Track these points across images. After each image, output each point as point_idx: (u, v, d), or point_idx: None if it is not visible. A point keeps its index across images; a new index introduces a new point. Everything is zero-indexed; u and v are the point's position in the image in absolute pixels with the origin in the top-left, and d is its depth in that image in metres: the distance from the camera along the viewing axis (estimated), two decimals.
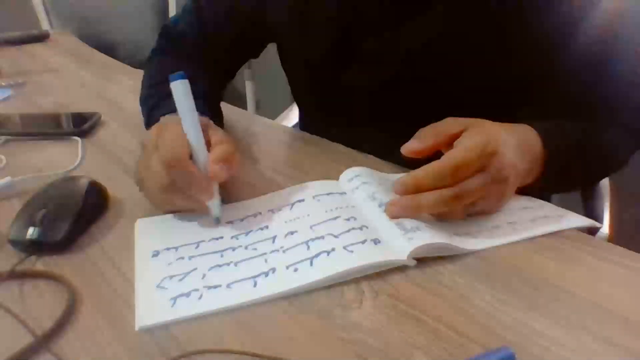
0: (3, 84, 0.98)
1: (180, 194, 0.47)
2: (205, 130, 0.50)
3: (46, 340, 0.36)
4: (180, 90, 0.48)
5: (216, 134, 0.51)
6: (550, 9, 0.55)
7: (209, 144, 0.50)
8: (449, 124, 0.48)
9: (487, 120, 0.49)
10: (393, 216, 0.45)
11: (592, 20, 0.54)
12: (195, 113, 0.49)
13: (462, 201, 0.45)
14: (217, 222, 0.48)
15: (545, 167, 0.51)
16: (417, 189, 0.44)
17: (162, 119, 0.55)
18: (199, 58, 0.73)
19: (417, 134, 0.48)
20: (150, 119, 0.63)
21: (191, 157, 0.48)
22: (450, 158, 0.44)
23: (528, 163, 0.49)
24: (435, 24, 0.58)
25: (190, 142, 0.48)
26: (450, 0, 0.57)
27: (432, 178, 0.44)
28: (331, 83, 0.68)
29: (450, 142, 0.47)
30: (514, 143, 0.47)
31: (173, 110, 0.58)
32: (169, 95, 0.61)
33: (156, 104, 0.63)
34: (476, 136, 0.45)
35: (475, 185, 0.44)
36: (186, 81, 0.49)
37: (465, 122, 0.47)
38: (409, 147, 0.47)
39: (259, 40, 0.77)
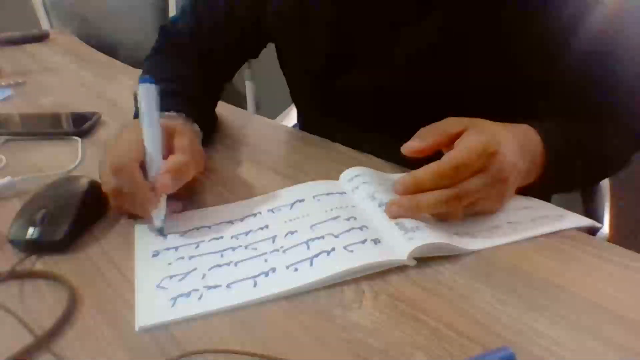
0: (3, 84, 0.98)
1: (126, 199, 0.47)
2: (171, 136, 0.50)
3: (46, 340, 0.36)
4: (146, 94, 0.48)
5: (180, 141, 0.51)
6: (551, 11, 0.55)
7: (172, 151, 0.49)
8: (450, 124, 0.48)
9: (488, 121, 0.49)
10: (393, 216, 0.45)
11: (593, 22, 0.54)
12: (157, 120, 0.48)
13: (462, 201, 0.45)
14: (161, 233, 0.47)
15: (545, 167, 0.51)
16: (418, 189, 0.45)
17: (125, 124, 0.55)
18: (196, 58, 0.73)
19: (417, 133, 0.48)
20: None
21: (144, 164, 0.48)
22: (450, 158, 0.44)
23: (528, 163, 0.49)
24: (435, 28, 0.58)
25: (146, 149, 0.47)
26: (450, 4, 0.57)
27: (433, 178, 0.44)
28: (331, 88, 0.68)
29: (450, 142, 0.47)
30: (514, 143, 0.47)
31: (165, 109, 0.58)
32: (164, 94, 0.61)
33: None
34: (476, 136, 0.45)
35: (475, 186, 0.44)
36: (153, 86, 0.48)
37: (465, 122, 0.47)
38: (410, 146, 0.47)
39: (257, 42, 0.77)
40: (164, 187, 0.46)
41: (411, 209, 0.45)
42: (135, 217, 0.50)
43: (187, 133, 0.53)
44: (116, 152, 0.47)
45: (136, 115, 0.61)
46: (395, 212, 0.45)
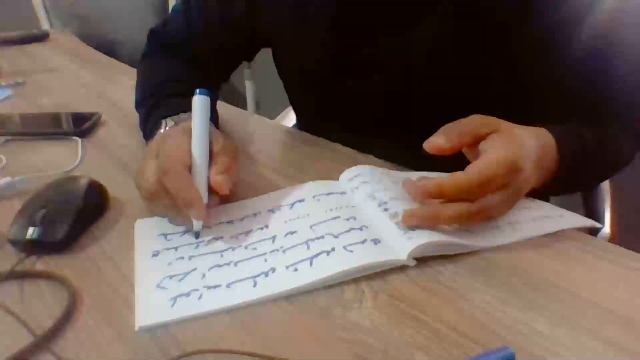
0: (3, 84, 0.98)
1: (166, 202, 0.46)
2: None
3: (46, 340, 0.36)
4: (202, 105, 0.50)
5: (218, 142, 0.51)
6: (552, 12, 0.54)
7: (210, 152, 0.50)
8: (476, 124, 0.46)
9: (511, 124, 0.47)
10: (410, 227, 0.44)
11: (595, 22, 0.54)
12: (207, 130, 0.49)
13: (481, 217, 0.44)
14: (196, 236, 0.47)
15: (557, 174, 0.50)
16: (439, 196, 0.44)
17: (168, 128, 0.55)
18: (191, 61, 0.73)
19: (442, 130, 0.46)
20: (148, 119, 0.63)
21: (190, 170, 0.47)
22: (479, 172, 0.43)
23: (542, 170, 0.48)
24: (432, 31, 0.58)
25: (193, 156, 0.48)
26: (450, 6, 0.57)
27: (458, 189, 0.43)
28: (328, 90, 0.68)
29: (475, 143, 0.46)
30: (534, 155, 0.46)
31: (173, 112, 0.58)
32: (168, 96, 0.61)
33: (155, 104, 0.63)
34: (504, 147, 0.44)
35: (496, 202, 0.44)
36: (208, 98, 0.50)
37: (493, 124, 0.46)
38: (434, 144, 0.45)
39: (252, 46, 0.77)
40: (222, 188, 0.47)
41: (430, 221, 0.44)
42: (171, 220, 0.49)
43: (219, 134, 0.53)
44: (166, 155, 0.47)
45: (146, 124, 0.62)
46: (413, 224, 0.44)
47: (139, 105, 0.69)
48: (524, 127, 0.48)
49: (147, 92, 0.68)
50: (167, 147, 0.48)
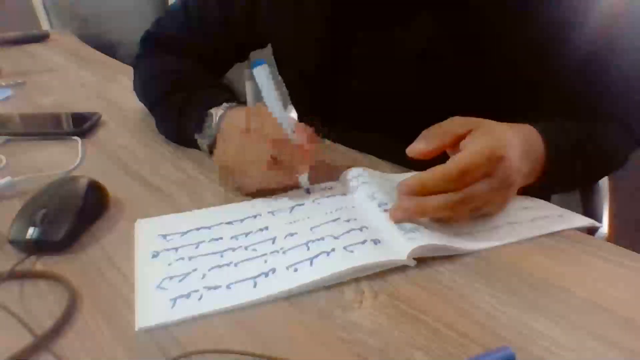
0: (3, 84, 0.98)
1: (278, 168, 0.51)
2: None
3: (46, 340, 0.36)
4: (265, 74, 0.51)
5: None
6: (546, 10, 0.54)
7: None
8: (455, 125, 0.47)
9: (493, 121, 0.48)
10: (397, 220, 0.45)
11: (591, 21, 0.54)
12: (279, 94, 0.52)
13: (467, 206, 0.44)
14: (308, 192, 0.53)
15: (546, 168, 0.50)
16: (423, 191, 0.44)
17: (231, 111, 0.57)
18: (187, 58, 0.73)
19: (422, 134, 0.47)
20: (182, 113, 0.63)
21: None
22: (457, 162, 0.43)
23: (531, 166, 0.49)
24: (428, 27, 0.58)
25: (279, 122, 0.52)
26: (443, 4, 0.57)
27: (439, 181, 0.43)
28: (325, 89, 0.68)
29: (456, 143, 0.46)
30: (519, 146, 0.47)
31: (215, 103, 0.59)
32: (197, 88, 0.62)
33: (187, 99, 0.63)
34: (484, 139, 0.45)
35: (481, 191, 0.44)
36: (267, 65, 0.52)
37: (471, 123, 0.47)
38: (415, 149, 0.46)
39: (248, 47, 0.77)
40: (313, 140, 0.52)
41: (415, 213, 0.44)
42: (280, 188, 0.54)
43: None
44: (268, 129, 0.51)
45: (183, 117, 0.63)
46: (399, 217, 0.45)
47: (157, 103, 0.70)
48: (506, 123, 0.49)
49: (163, 89, 0.69)
50: (263, 121, 0.51)
